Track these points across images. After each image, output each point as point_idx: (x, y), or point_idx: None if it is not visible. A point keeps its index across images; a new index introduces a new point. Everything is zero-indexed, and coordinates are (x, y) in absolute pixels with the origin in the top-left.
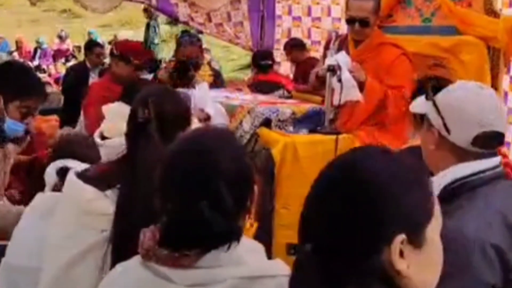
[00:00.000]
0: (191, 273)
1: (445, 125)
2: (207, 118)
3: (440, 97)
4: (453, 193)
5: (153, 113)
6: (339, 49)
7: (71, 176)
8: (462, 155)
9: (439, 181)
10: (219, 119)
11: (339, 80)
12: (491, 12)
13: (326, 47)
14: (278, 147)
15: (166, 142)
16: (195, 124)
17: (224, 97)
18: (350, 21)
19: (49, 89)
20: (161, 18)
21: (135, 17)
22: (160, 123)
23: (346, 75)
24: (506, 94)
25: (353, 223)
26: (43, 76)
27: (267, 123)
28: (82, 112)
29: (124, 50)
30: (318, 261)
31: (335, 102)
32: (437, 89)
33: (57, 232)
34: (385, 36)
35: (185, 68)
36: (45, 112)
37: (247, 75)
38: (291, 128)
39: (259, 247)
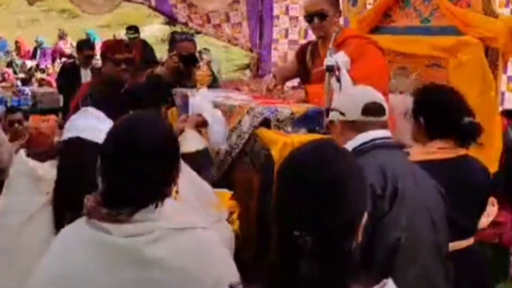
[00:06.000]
0: (125, 227)
1: (340, 112)
2: (204, 124)
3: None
4: (358, 153)
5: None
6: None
7: (21, 156)
8: (359, 126)
9: (350, 146)
10: (216, 126)
11: (338, 80)
12: (490, 12)
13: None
14: (277, 147)
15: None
16: (189, 130)
17: (223, 97)
18: (308, 18)
19: (48, 89)
20: (160, 18)
21: (134, 18)
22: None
23: (345, 75)
24: (503, 94)
25: None
26: (42, 76)
27: (266, 123)
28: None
29: (103, 48)
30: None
31: None
32: None
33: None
34: (352, 31)
35: (189, 60)
36: (45, 112)
37: (246, 75)
38: (290, 128)
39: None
